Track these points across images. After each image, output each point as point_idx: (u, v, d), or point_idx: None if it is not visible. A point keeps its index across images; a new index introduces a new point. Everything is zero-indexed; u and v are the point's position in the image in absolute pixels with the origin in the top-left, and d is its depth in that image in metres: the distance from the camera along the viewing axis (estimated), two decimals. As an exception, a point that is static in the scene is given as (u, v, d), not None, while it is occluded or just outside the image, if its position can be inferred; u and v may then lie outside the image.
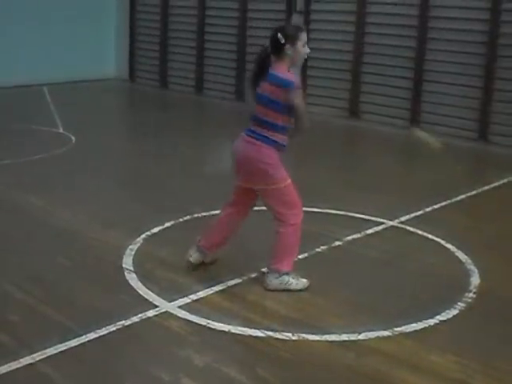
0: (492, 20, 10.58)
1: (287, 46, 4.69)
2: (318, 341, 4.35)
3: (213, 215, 6.58)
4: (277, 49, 4.72)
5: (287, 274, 5.00)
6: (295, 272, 5.07)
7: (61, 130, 10.19)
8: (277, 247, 5.01)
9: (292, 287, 4.99)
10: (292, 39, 4.70)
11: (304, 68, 12.80)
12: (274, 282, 4.99)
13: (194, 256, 5.28)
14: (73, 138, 9.67)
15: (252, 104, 4.92)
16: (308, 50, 4.83)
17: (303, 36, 4.76)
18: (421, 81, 11.45)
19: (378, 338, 4.40)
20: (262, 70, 4.79)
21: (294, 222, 4.96)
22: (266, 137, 4.84)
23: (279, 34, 4.70)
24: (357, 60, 12.15)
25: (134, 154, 9.39)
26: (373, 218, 6.68)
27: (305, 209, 6.84)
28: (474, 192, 7.85)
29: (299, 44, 4.73)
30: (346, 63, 12.29)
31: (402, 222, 6.64)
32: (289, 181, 4.97)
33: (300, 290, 5.00)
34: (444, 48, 11.13)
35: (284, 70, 4.74)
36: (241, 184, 5.12)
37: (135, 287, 4.97)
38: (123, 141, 10.58)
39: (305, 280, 5.06)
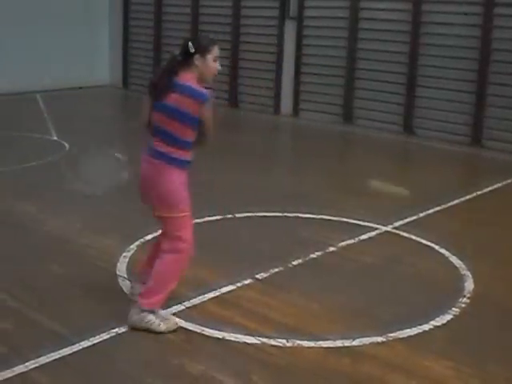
0: (485, 25, 10.61)
1: (196, 56, 4.38)
2: (312, 347, 4.34)
3: (206, 222, 6.59)
4: (186, 59, 4.40)
5: (152, 312, 4.47)
6: (165, 311, 4.62)
7: (54, 138, 10.16)
8: (150, 279, 4.52)
9: (153, 327, 4.42)
10: (202, 50, 4.40)
11: (297, 74, 12.85)
12: (134, 317, 4.46)
13: (135, 289, 4.84)
14: (66, 145, 9.65)
15: (145, 114, 4.52)
16: (219, 67, 4.51)
17: (215, 50, 4.47)
18: (414, 86, 11.48)
19: (372, 343, 4.40)
20: (169, 78, 4.39)
21: (172, 258, 4.48)
22: (169, 156, 4.41)
23: (190, 43, 4.40)
24: (350, 66, 12.17)
25: (128, 162, 9.36)
26: (367, 224, 6.68)
27: (299, 215, 6.90)
28: (467, 197, 7.86)
29: (209, 57, 4.42)
30: (340, 69, 12.31)
31: (395, 228, 6.64)
32: (186, 213, 4.53)
33: (161, 333, 4.43)
34: (437, 53, 11.17)
35: (194, 82, 4.38)
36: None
37: (129, 295, 4.94)
38: (117, 148, 10.55)
39: (173, 322, 4.50)
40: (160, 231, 4.82)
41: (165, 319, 4.49)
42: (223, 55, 14.64)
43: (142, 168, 4.55)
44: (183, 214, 4.50)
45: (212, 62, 4.45)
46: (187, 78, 4.37)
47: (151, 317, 4.44)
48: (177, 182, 4.46)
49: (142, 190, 4.57)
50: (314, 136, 11.58)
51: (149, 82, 4.63)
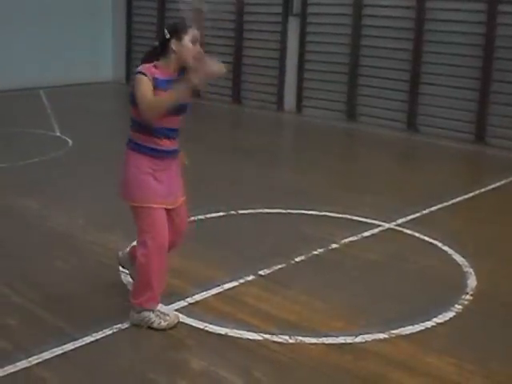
0: (488, 22, 10.60)
1: (172, 41, 4.28)
2: (315, 344, 4.34)
3: (209, 218, 6.60)
4: (163, 46, 4.34)
5: (149, 310, 4.44)
6: (166, 307, 4.58)
7: (57, 134, 10.18)
8: (135, 278, 4.56)
9: (154, 326, 4.42)
10: (178, 34, 4.29)
11: (300, 71, 12.85)
12: (134, 316, 4.47)
13: (122, 256, 5.06)
14: (69, 141, 9.66)
15: None
16: (199, 49, 4.34)
17: (191, 32, 4.32)
18: (417, 83, 11.46)
19: (375, 340, 4.40)
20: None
21: (144, 252, 4.35)
22: (131, 140, 4.42)
23: (165, 30, 4.34)
24: (354, 63, 12.16)
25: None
26: (370, 221, 6.68)
27: (302, 211, 6.90)
28: (471, 194, 7.85)
29: (186, 39, 4.28)
30: (343, 66, 12.30)
31: (398, 225, 6.64)
32: (156, 204, 4.35)
33: (164, 330, 4.43)
34: (440, 50, 11.15)
35: (150, 65, 4.30)
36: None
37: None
38: (120, 144, 10.55)
39: (173, 317, 4.49)
40: None
41: (165, 315, 4.46)
42: (226, 52, 14.70)
43: None
44: (146, 205, 4.34)
45: (190, 44, 4.30)
46: (149, 64, 4.32)
47: (151, 315, 4.43)
48: (137, 168, 4.35)
49: None
50: (317, 133, 11.58)
51: None
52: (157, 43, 4.40)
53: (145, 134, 4.32)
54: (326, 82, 12.55)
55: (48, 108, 12.29)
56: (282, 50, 13.07)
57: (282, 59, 13.11)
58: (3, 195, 7.22)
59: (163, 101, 4.19)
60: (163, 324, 4.43)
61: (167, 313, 4.50)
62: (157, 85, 4.22)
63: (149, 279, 4.39)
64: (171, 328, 4.44)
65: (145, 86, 4.20)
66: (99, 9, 15.55)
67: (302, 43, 12.80)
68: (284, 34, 13.03)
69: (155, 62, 4.33)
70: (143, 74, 4.24)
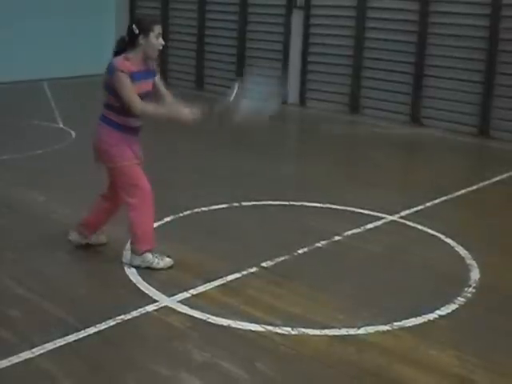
0: (493, 15, 10.56)
1: (140, 37, 4.90)
2: (317, 335, 4.35)
3: (213, 210, 6.60)
4: (131, 39, 4.93)
5: (149, 252, 5.16)
6: (159, 251, 5.22)
7: (61, 126, 10.18)
8: (130, 228, 5.17)
9: (153, 265, 5.15)
10: (145, 31, 4.89)
11: (304, 63, 12.82)
12: (137, 260, 5.17)
13: (72, 236, 5.57)
14: (73, 133, 9.66)
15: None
16: (162, 42, 4.99)
17: (157, 28, 4.94)
18: (421, 76, 11.43)
19: (377, 332, 4.40)
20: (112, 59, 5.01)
21: (135, 202, 5.07)
22: (105, 117, 5.06)
23: (133, 25, 4.92)
24: (358, 55, 12.14)
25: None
26: (373, 213, 6.67)
27: (305, 204, 6.91)
28: (474, 187, 7.84)
29: (152, 35, 4.91)
30: (347, 58, 12.28)
31: (402, 217, 6.64)
32: (132, 162, 5.07)
33: (161, 269, 5.15)
34: (445, 43, 11.12)
35: (122, 58, 4.91)
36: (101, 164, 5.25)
37: (135, 282, 4.97)
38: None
39: (168, 259, 5.21)
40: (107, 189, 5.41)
41: (161, 257, 5.18)
42: (230, 44, 14.62)
43: (95, 131, 5.18)
44: (124, 163, 5.03)
45: (155, 40, 4.94)
46: (121, 57, 4.92)
47: (150, 257, 5.14)
48: (114, 138, 5.02)
49: (94, 149, 5.18)
50: (320, 125, 11.56)
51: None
52: (125, 35, 4.96)
53: (118, 113, 4.99)
54: (330, 74, 12.53)
55: (51, 100, 12.28)
56: (286, 43, 13.04)
57: (286, 51, 13.08)
58: (7, 187, 7.22)
59: (155, 115, 5.03)
60: (161, 264, 5.15)
61: (163, 257, 5.19)
62: (133, 79, 4.87)
63: (145, 227, 5.14)
64: (167, 268, 5.13)
65: (128, 87, 4.86)
66: (103, 3, 15.51)
67: (306, 36, 12.77)
68: (288, 26, 13.00)
69: (126, 54, 4.92)
70: (122, 71, 4.85)
